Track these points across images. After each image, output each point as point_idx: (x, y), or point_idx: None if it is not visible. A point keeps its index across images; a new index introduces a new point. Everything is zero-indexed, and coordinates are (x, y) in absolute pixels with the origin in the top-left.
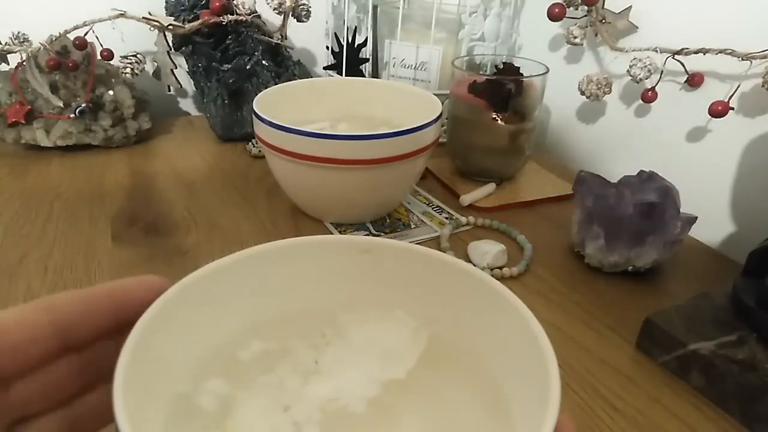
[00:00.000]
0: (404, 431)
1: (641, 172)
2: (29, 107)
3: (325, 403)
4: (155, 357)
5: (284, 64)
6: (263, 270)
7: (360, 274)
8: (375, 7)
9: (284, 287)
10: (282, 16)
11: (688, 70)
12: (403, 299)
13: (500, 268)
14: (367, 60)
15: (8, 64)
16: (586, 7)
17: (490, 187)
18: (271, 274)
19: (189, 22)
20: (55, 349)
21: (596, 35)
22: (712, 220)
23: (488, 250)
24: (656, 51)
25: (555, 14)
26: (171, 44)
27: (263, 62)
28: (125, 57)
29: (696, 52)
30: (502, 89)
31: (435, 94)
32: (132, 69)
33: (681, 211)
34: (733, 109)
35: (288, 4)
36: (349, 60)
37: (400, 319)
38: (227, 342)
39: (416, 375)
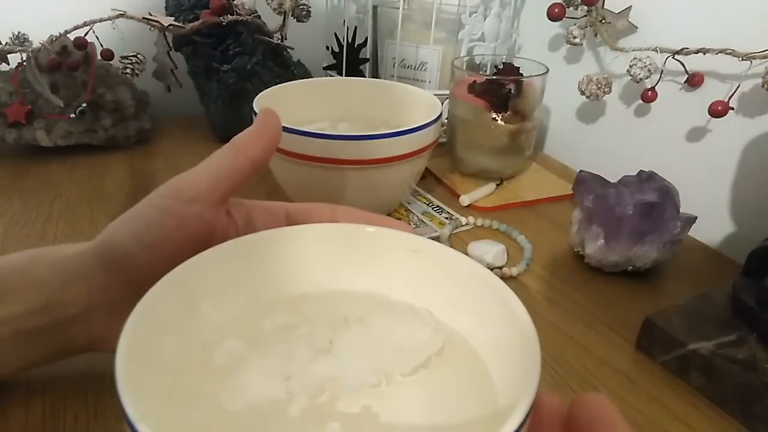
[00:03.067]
0: (385, 418)
1: (641, 172)
2: (30, 107)
3: (324, 381)
4: (181, 305)
5: (284, 64)
6: (309, 246)
7: (401, 268)
8: (375, 7)
9: (323, 266)
10: (282, 16)
11: (688, 70)
12: (433, 299)
13: (500, 268)
14: (367, 60)
15: (8, 64)
16: (585, 7)
17: (490, 187)
18: (315, 252)
19: (189, 22)
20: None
21: (596, 35)
22: (711, 220)
23: (488, 250)
24: (656, 51)
25: (555, 14)
26: (171, 44)
27: (263, 62)
28: (125, 57)
29: (696, 52)
30: (502, 89)
31: (435, 94)
32: (132, 69)
33: (681, 211)
34: (733, 109)
35: (288, 4)
36: (349, 60)
37: (423, 318)
38: (257, 308)
39: (420, 373)
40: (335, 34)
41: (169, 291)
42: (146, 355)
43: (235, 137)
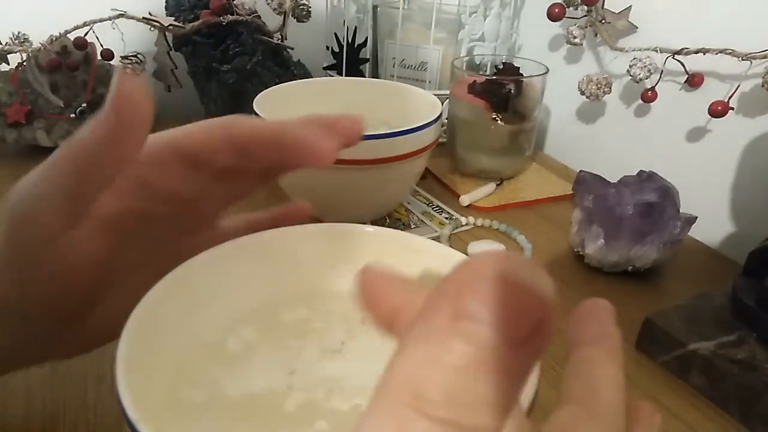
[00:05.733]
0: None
1: (641, 172)
2: (30, 107)
3: (325, 380)
4: (183, 304)
5: (284, 65)
6: (340, 245)
7: (405, 268)
8: (375, 8)
9: (351, 265)
10: (282, 16)
11: (687, 70)
12: None
13: None
14: (367, 60)
15: (8, 64)
16: (585, 7)
17: (490, 187)
18: (347, 251)
19: (189, 22)
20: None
21: (596, 35)
22: (711, 220)
23: (488, 250)
24: (656, 51)
25: (555, 14)
26: (171, 44)
27: (263, 62)
28: (125, 57)
29: (696, 52)
30: (501, 89)
31: (435, 94)
32: (132, 69)
33: (681, 211)
34: (732, 109)
35: (288, 4)
36: (349, 60)
37: None
38: (279, 301)
39: None
40: (335, 34)
41: (170, 291)
42: (148, 352)
43: (80, 134)
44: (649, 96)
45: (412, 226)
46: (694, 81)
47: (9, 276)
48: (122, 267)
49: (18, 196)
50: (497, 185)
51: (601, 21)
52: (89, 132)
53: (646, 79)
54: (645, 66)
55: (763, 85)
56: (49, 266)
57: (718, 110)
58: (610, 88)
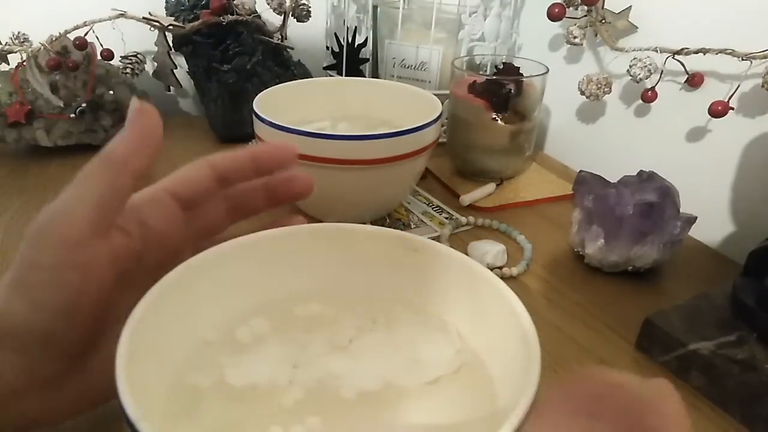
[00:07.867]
0: (369, 416)
1: (641, 172)
2: (29, 107)
3: (327, 377)
4: (183, 303)
5: (284, 65)
6: (341, 245)
7: (447, 284)
8: (375, 7)
9: (354, 265)
10: (282, 16)
11: (688, 70)
12: (465, 320)
13: (500, 268)
14: (367, 60)
15: (8, 64)
16: (585, 7)
17: (490, 187)
18: (348, 251)
19: (189, 22)
20: (215, 188)
21: (596, 35)
22: (712, 220)
23: (488, 250)
24: (656, 51)
25: (555, 14)
26: (171, 44)
27: (263, 62)
28: (125, 57)
29: (696, 52)
30: (501, 89)
31: (435, 94)
32: (132, 69)
33: (681, 211)
34: (733, 109)
35: (288, 4)
36: (349, 60)
37: (451, 336)
38: (293, 295)
39: (425, 390)
40: (335, 34)
41: (170, 290)
42: (149, 351)
43: (108, 149)
44: (649, 96)
45: (412, 226)
46: (694, 81)
47: (29, 296)
48: (119, 314)
49: (45, 212)
50: (497, 185)
51: (601, 21)
52: (112, 146)
53: (646, 79)
54: (645, 66)
55: (763, 85)
56: (69, 276)
57: (718, 110)
58: (610, 88)
